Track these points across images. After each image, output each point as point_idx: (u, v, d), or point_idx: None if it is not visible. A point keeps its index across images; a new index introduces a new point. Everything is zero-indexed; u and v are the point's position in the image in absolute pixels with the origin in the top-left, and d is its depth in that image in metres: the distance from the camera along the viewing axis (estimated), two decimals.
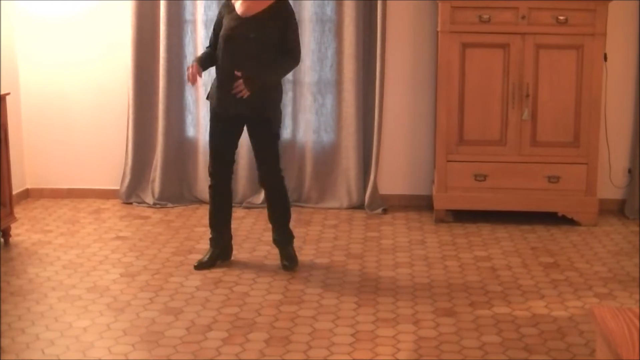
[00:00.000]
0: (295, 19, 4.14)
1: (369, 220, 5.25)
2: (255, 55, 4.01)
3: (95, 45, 5.58)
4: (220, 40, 4.11)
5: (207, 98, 4.32)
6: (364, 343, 3.35)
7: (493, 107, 5.02)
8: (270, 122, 4.14)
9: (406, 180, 5.58)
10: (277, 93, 4.20)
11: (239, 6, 4.10)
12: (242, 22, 4.05)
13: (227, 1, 4.21)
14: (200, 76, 4.14)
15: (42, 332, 3.43)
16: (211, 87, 4.27)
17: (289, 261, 4.26)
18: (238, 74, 3.99)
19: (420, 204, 5.50)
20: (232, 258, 4.42)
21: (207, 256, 4.31)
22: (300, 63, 4.31)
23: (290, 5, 4.17)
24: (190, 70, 4.06)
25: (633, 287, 4.02)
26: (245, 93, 4.00)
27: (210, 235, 4.36)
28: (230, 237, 4.39)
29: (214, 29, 4.22)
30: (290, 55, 4.12)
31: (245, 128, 4.24)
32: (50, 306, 3.73)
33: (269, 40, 4.03)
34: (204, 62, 4.18)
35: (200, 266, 4.26)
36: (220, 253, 4.33)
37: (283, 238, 4.32)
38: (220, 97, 4.13)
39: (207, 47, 4.31)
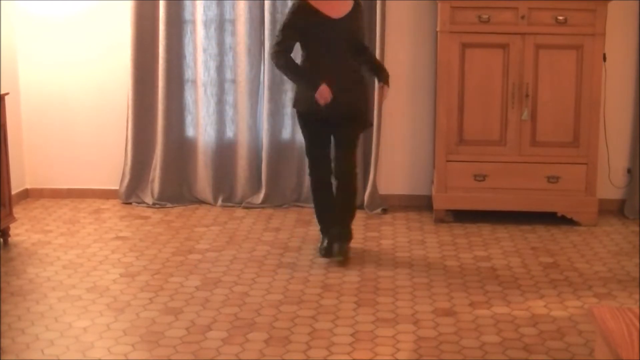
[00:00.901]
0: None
1: (369, 220, 5.25)
2: (347, 54, 4.22)
3: (95, 46, 5.58)
4: (315, 45, 4.19)
5: (294, 105, 4.40)
6: (364, 343, 3.35)
7: (493, 107, 5.02)
8: (362, 119, 4.35)
9: (406, 180, 5.59)
10: (366, 88, 4.42)
11: (324, 7, 4.15)
12: (333, 23, 4.16)
13: (304, 5, 4.18)
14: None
15: (42, 333, 3.43)
16: (298, 93, 4.34)
17: (327, 252, 4.33)
18: (381, 85, 4.30)
19: (420, 204, 5.50)
20: (233, 257, 4.43)
21: (327, 244, 4.37)
22: None
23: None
24: (325, 93, 4.13)
25: (633, 287, 4.03)
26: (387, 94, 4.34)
27: (319, 227, 4.51)
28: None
29: (287, 35, 4.19)
30: (367, 50, 4.42)
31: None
32: (50, 306, 3.73)
33: (355, 38, 4.28)
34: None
35: (342, 258, 4.30)
36: (335, 235, 4.39)
37: (342, 233, 4.34)
38: (313, 99, 4.17)
39: (276, 51, 4.24)
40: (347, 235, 4.38)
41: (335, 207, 4.38)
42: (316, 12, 4.16)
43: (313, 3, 4.18)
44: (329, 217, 4.42)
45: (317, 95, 4.12)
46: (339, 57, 4.19)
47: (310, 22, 4.17)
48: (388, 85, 4.33)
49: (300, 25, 4.18)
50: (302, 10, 4.20)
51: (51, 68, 5.61)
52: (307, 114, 4.30)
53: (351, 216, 4.43)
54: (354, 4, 4.25)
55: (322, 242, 4.42)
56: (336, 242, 4.32)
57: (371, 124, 4.60)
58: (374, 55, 4.52)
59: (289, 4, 5.39)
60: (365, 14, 5.33)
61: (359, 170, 5.44)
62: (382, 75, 4.34)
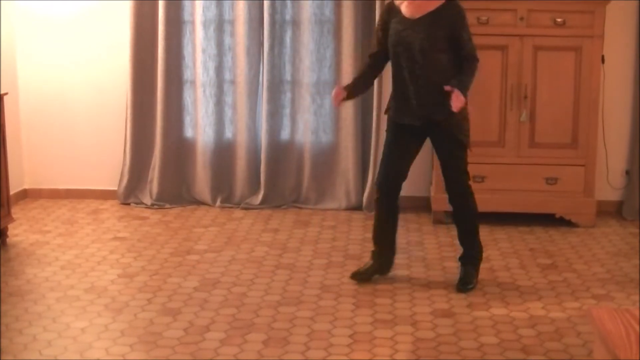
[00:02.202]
0: (466, 18, 3.89)
1: (368, 221, 5.23)
2: (427, 57, 3.82)
3: (95, 46, 5.58)
4: (391, 47, 3.90)
5: (385, 112, 4.08)
6: (362, 344, 3.35)
7: (491, 108, 5.02)
8: (452, 129, 3.89)
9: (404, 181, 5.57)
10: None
11: (404, 8, 3.88)
12: (411, 24, 3.85)
13: (389, 6, 3.98)
14: (343, 98, 3.96)
15: (40, 333, 3.43)
16: (390, 99, 4.03)
17: (463, 283, 3.99)
18: (448, 88, 3.75)
19: (419, 205, 5.49)
20: (232, 258, 4.43)
21: (365, 268, 4.11)
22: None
23: (461, 5, 3.90)
24: (333, 92, 3.94)
25: (631, 288, 4.03)
26: (462, 102, 3.73)
27: (372, 248, 4.16)
28: (393, 253, 4.16)
29: (377, 38, 3.99)
30: (471, 60, 3.86)
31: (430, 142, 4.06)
32: (48, 307, 3.73)
33: (439, 40, 3.82)
34: (356, 85, 4.03)
35: (357, 276, 4.07)
36: (378, 267, 4.11)
37: (466, 257, 4.06)
38: (397, 107, 3.94)
39: (368, 57, 4.10)
40: (470, 259, 4.06)
41: (457, 230, 4.10)
42: (397, 12, 3.91)
43: (397, 2, 3.93)
44: (383, 243, 4.13)
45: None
46: (417, 62, 3.82)
47: (391, 22, 3.91)
48: (460, 92, 3.73)
49: (384, 27, 3.94)
50: (386, 9, 3.99)
51: (50, 68, 5.60)
52: (391, 121, 4.02)
53: (472, 237, 4.05)
54: (444, 3, 3.84)
55: (364, 266, 4.15)
56: (461, 266, 4.06)
57: (464, 144, 3.93)
58: (472, 67, 3.86)
59: (289, 4, 5.41)
60: (367, 16, 5.37)
61: (358, 171, 5.48)
62: (457, 77, 3.82)
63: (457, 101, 3.73)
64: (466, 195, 4.00)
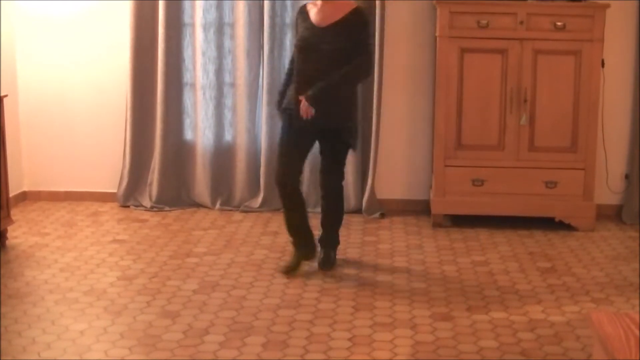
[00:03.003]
0: (369, 26, 4.02)
1: (367, 224, 5.24)
2: (329, 67, 3.91)
3: (95, 46, 5.57)
4: (295, 49, 4.04)
5: (281, 107, 4.15)
6: (361, 347, 3.35)
7: (491, 112, 5.03)
8: (340, 132, 4.11)
9: (404, 184, 5.58)
10: (349, 103, 4.10)
11: (314, 14, 3.96)
12: (316, 32, 3.93)
13: (301, 8, 4.07)
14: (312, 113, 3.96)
15: (39, 335, 3.43)
16: (288, 95, 4.11)
17: (324, 263, 4.25)
18: (301, 98, 3.93)
19: (418, 209, 5.49)
20: (231, 261, 4.42)
21: (292, 260, 4.23)
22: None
23: (366, 14, 4.00)
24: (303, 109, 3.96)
25: (630, 292, 4.03)
26: (311, 113, 3.91)
27: (291, 240, 4.30)
28: (312, 237, 4.26)
29: (295, 37, 4.12)
30: (361, 57, 3.94)
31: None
32: (47, 309, 3.73)
33: (343, 51, 3.92)
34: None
35: (288, 271, 4.17)
36: (304, 254, 4.24)
37: (328, 240, 4.32)
38: (294, 107, 4.01)
39: (289, 64, 4.23)
40: (332, 242, 4.34)
41: (321, 216, 4.35)
42: (306, 18, 4.03)
43: (309, 6, 4.04)
44: (298, 231, 4.24)
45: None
46: (317, 68, 3.92)
47: (300, 27, 4.05)
48: (311, 106, 3.91)
49: (296, 29, 4.14)
50: (299, 13, 4.13)
51: (50, 69, 5.60)
52: (287, 116, 4.10)
53: (335, 225, 4.36)
54: (350, 13, 3.96)
55: (291, 259, 4.27)
56: (322, 248, 4.31)
57: (346, 147, 4.19)
58: (349, 71, 3.94)
59: (289, 6, 5.41)
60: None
61: (357, 174, 5.48)
62: (314, 92, 3.91)
63: (303, 110, 3.92)
64: (339, 192, 4.28)
